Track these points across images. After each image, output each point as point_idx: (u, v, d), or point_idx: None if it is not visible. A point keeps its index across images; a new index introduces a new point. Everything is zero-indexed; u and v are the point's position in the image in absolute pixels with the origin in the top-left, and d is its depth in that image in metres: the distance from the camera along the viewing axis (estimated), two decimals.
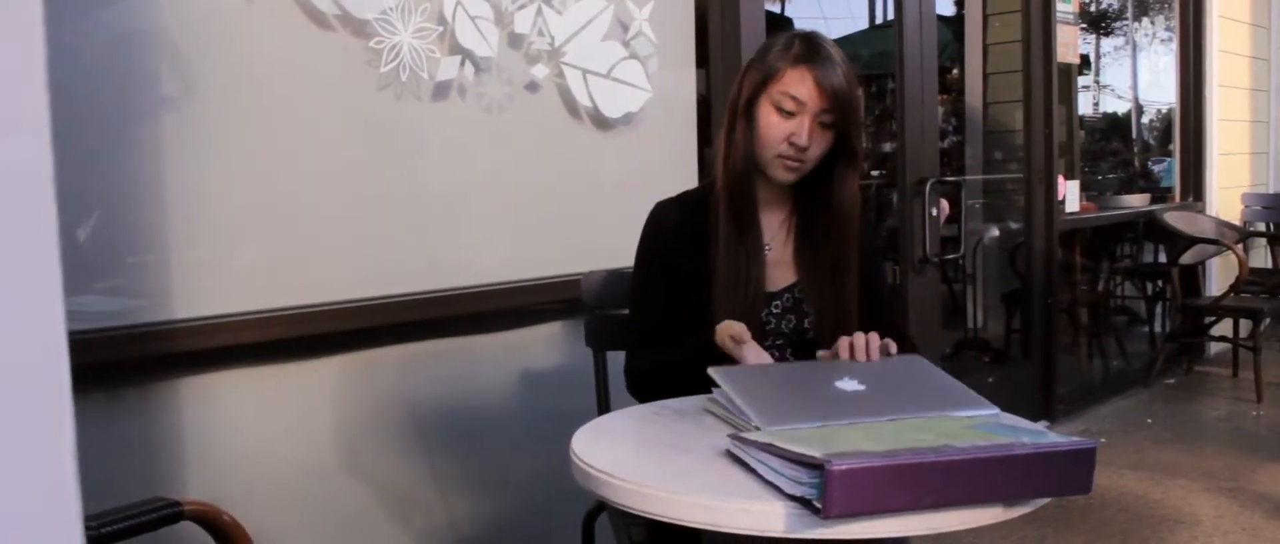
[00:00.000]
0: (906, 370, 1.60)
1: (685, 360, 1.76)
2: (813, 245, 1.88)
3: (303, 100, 2.08)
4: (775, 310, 1.87)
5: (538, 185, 2.47)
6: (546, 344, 2.52)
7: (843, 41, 12.24)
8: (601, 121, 2.56)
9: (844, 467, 1.09)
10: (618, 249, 2.58)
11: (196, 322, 1.93)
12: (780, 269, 1.89)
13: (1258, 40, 6.77)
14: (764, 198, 1.89)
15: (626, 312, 2.00)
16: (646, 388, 1.88)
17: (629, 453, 1.45)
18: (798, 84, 1.75)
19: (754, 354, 1.69)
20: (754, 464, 1.25)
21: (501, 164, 2.40)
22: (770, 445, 1.23)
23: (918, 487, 1.13)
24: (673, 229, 1.90)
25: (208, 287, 1.96)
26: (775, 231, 1.91)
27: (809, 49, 1.76)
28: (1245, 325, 5.39)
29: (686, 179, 2.80)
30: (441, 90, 2.27)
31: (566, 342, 2.50)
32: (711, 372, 1.54)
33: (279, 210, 2.06)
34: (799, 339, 1.88)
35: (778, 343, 1.87)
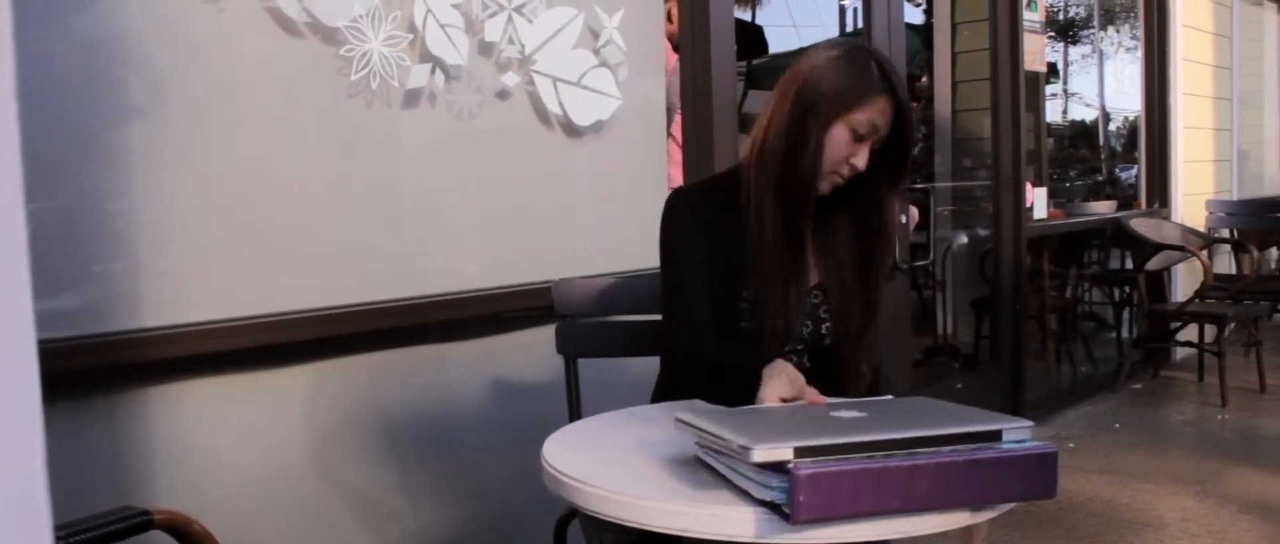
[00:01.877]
0: (913, 404, 1.51)
1: (731, 384, 1.67)
2: (837, 245, 1.84)
3: (273, 108, 2.08)
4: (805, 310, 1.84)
5: (508, 193, 2.48)
6: (518, 351, 2.52)
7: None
8: (572, 129, 2.57)
9: (810, 471, 1.10)
10: (589, 256, 2.60)
11: (166, 330, 1.92)
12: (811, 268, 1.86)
13: (1220, 49, 6.86)
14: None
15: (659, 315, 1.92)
16: (695, 372, 1.81)
17: (600, 459, 1.45)
18: (881, 114, 1.71)
19: (779, 392, 1.56)
20: (723, 469, 1.26)
21: (472, 172, 2.40)
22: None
23: (884, 490, 1.15)
24: (702, 215, 1.83)
25: (178, 294, 1.95)
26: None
27: (889, 75, 1.73)
28: (1210, 331, 5.44)
29: (656, 186, 2.81)
30: (412, 98, 2.27)
31: (538, 348, 2.50)
32: (677, 421, 1.39)
33: (249, 218, 2.05)
34: (817, 344, 1.85)
35: (796, 348, 1.83)
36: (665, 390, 1.93)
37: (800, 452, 1.14)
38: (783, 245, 1.77)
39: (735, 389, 1.63)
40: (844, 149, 1.72)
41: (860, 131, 1.71)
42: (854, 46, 1.78)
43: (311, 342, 2.13)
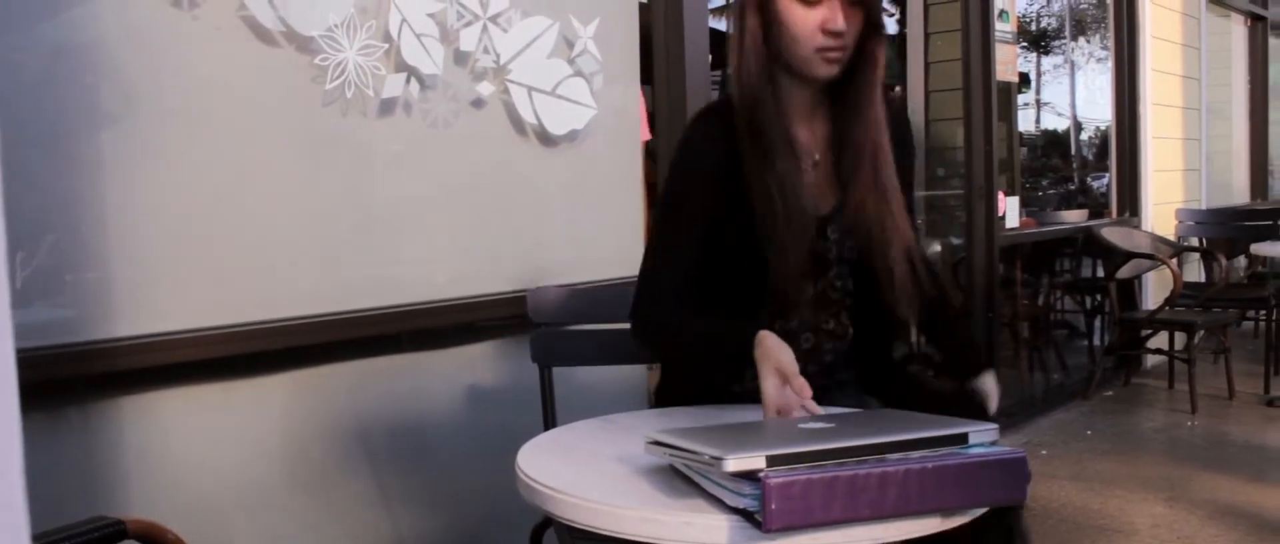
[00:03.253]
0: (882, 414, 1.51)
1: (707, 354, 1.65)
2: (852, 155, 1.70)
3: (247, 116, 2.08)
4: (833, 236, 1.73)
5: (483, 202, 2.48)
6: (493, 360, 2.53)
7: None
8: (547, 138, 2.57)
9: (781, 479, 1.12)
10: (563, 265, 2.61)
11: (140, 339, 1.91)
12: (830, 188, 1.73)
13: (1188, 60, 6.94)
14: (797, 106, 1.72)
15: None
16: (657, 347, 1.78)
17: (574, 467, 1.46)
18: None
19: (776, 393, 1.52)
20: (697, 478, 1.27)
21: (447, 181, 2.41)
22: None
23: (854, 498, 1.16)
24: (709, 144, 1.72)
25: (151, 304, 1.94)
26: (817, 144, 1.74)
27: None
28: (1180, 338, 5.50)
29: (631, 197, 2.82)
30: (387, 107, 2.27)
31: (513, 357, 2.51)
32: (648, 444, 1.36)
33: (223, 226, 2.05)
34: (845, 261, 1.77)
35: (843, 272, 1.76)
36: (666, 376, 1.86)
37: (772, 460, 1.15)
38: (760, 162, 1.65)
39: (716, 364, 1.64)
40: (805, 19, 1.62)
41: None
42: None
43: (285, 351, 2.13)
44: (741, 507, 1.17)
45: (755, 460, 1.15)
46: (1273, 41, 9.19)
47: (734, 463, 1.15)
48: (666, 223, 1.77)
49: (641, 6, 2.87)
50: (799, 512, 1.13)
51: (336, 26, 2.16)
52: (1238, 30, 8.70)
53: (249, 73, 2.07)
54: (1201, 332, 5.42)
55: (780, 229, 1.65)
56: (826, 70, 1.65)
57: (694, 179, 1.73)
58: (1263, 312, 6.09)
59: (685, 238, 1.73)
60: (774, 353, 1.53)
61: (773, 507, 1.11)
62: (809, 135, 1.74)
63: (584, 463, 1.49)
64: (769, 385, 1.51)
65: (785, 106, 1.70)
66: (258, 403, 2.13)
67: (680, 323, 1.72)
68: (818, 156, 1.74)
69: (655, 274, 1.75)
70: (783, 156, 1.66)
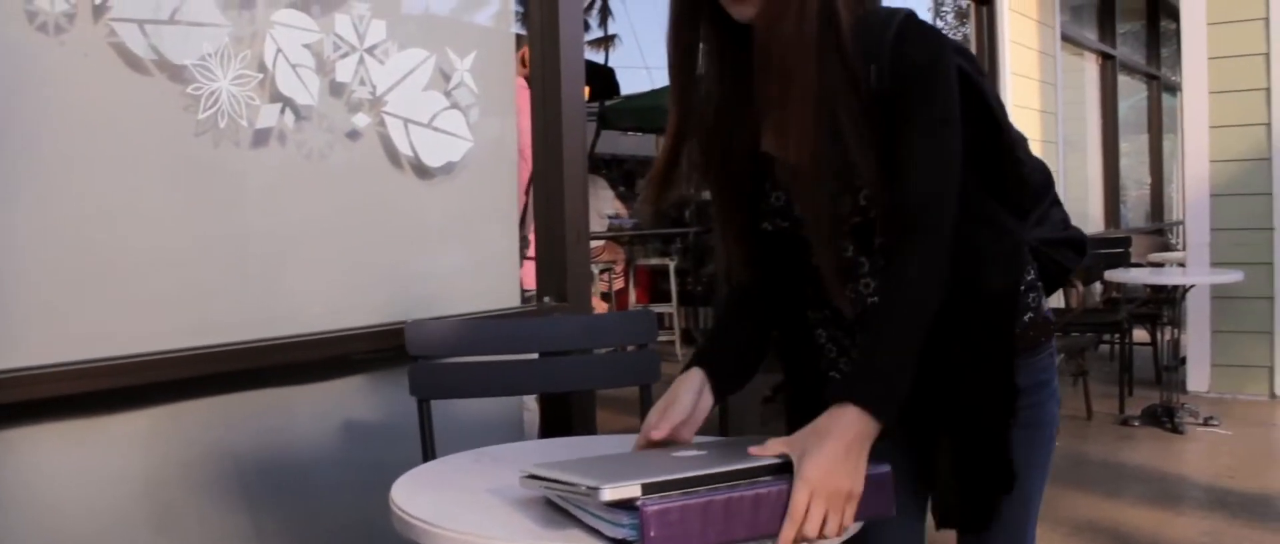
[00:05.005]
0: (750, 441, 1.43)
1: None
2: (760, 83, 1.45)
3: (116, 146, 2.04)
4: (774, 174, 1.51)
5: (360, 234, 2.47)
6: (371, 393, 2.51)
7: (662, 91, 12.41)
8: (423, 170, 2.57)
9: (657, 507, 1.15)
10: (441, 297, 2.61)
11: (1, 374, 1.86)
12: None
13: (1046, 95, 7.25)
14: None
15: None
16: None
17: (449, 501, 1.47)
18: None
19: (650, 420, 1.49)
20: (574, 510, 1.29)
21: (322, 212, 2.39)
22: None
23: (730, 520, 1.20)
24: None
25: (13, 338, 1.89)
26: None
27: None
28: None
29: (508, 228, 2.84)
30: (261, 137, 2.25)
31: (391, 390, 2.49)
32: (523, 478, 1.36)
33: (90, 259, 2.00)
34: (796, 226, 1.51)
35: (782, 224, 1.53)
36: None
37: (648, 488, 1.18)
38: (678, 95, 1.54)
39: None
40: None
41: None
42: None
43: (155, 386, 2.09)
44: (620, 537, 1.19)
45: (631, 490, 1.18)
46: (1121, 79, 9.66)
47: (610, 492, 1.18)
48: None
49: (518, 38, 2.90)
50: (678, 537, 1.17)
51: (210, 56, 2.14)
52: (1090, 68, 9.11)
53: (118, 101, 2.04)
54: (1061, 355, 5.63)
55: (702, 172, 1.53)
56: (739, 11, 1.43)
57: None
58: (1117, 335, 6.35)
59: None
60: (673, 391, 1.52)
61: (651, 533, 1.15)
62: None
63: (458, 496, 1.50)
64: (650, 415, 1.52)
65: (695, 33, 1.52)
66: (124, 440, 2.08)
67: (719, 318, 1.65)
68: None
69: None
70: (689, 84, 1.53)
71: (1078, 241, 1.70)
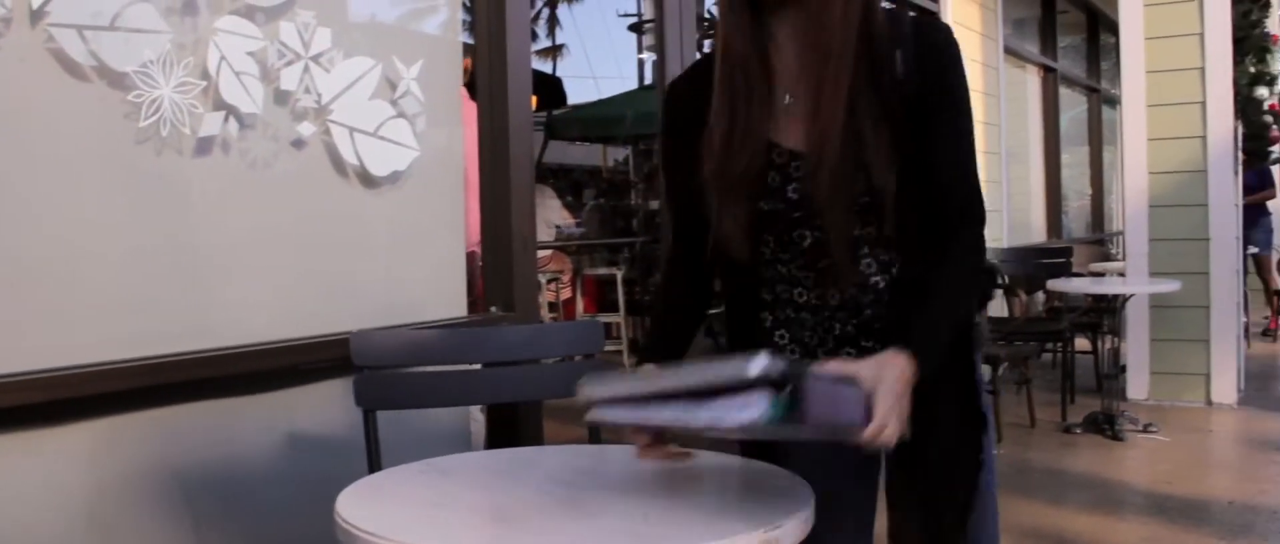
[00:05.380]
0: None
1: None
2: (808, 78, 1.53)
3: (55, 153, 2.01)
4: (778, 161, 1.56)
5: (304, 243, 2.45)
6: (316, 404, 2.48)
7: (609, 102, 12.54)
8: (368, 179, 2.56)
9: (818, 377, 1.30)
10: (387, 306, 2.59)
11: None
12: (787, 125, 1.56)
13: (989, 107, 7.34)
14: (780, 39, 1.56)
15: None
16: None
17: (395, 512, 1.46)
18: None
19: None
20: (673, 413, 1.34)
21: (267, 221, 2.37)
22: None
23: (835, 405, 1.32)
24: (685, 102, 1.64)
25: None
26: (794, 83, 1.57)
27: None
28: (986, 371, 5.77)
29: (454, 238, 2.82)
30: (204, 146, 2.23)
31: (337, 401, 2.47)
32: (581, 385, 1.43)
33: (27, 268, 1.97)
34: (788, 207, 1.58)
35: (776, 206, 1.57)
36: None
37: (792, 365, 1.31)
38: (728, 76, 1.55)
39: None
40: None
41: None
42: None
43: (95, 398, 2.05)
44: (749, 419, 1.25)
45: (776, 364, 1.26)
46: (1063, 91, 9.81)
47: (756, 367, 1.25)
48: (665, 199, 1.76)
49: (465, 48, 2.89)
50: (826, 407, 1.29)
51: (152, 62, 2.11)
52: (1032, 80, 9.25)
53: (57, 108, 2.01)
54: (1005, 364, 5.71)
55: (721, 151, 1.54)
56: None
57: (671, 144, 1.69)
58: (1060, 344, 6.44)
59: (678, 207, 1.72)
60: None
61: (814, 403, 1.29)
62: (786, 71, 1.58)
63: (403, 507, 1.49)
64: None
65: (755, 33, 1.56)
66: (65, 453, 2.04)
67: (661, 312, 1.78)
68: (791, 95, 1.57)
69: (669, 255, 1.78)
70: (746, 77, 1.54)
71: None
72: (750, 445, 1.65)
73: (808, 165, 1.53)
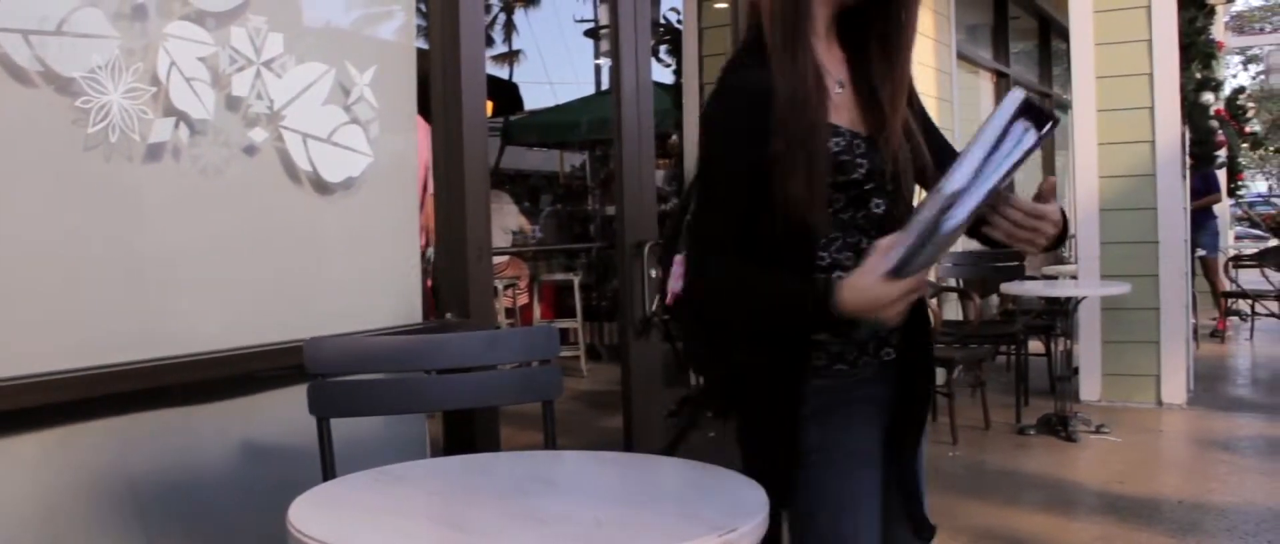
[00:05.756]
0: None
1: (781, 307, 1.65)
2: (891, 82, 1.76)
3: (0, 159, 1.98)
4: (861, 159, 1.72)
5: (257, 250, 2.43)
6: (269, 412, 2.46)
7: (565, 107, 12.55)
8: (322, 186, 2.54)
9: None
10: (341, 314, 2.57)
11: None
12: (840, 111, 1.74)
13: (943, 113, 7.40)
14: (820, 34, 1.74)
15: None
16: (722, 308, 1.73)
17: (348, 521, 1.45)
18: None
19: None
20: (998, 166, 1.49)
21: (219, 228, 2.35)
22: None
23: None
24: (745, 92, 1.70)
25: None
26: (839, 69, 1.77)
27: None
28: (941, 373, 5.82)
29: (408, 244, 2.81)
30: (154, 152, 2.21)
31: (290, 409, 2.45)
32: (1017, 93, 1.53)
33: None
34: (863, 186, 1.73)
35: (880, 201, 1.75)
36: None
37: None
38: (788, 63, 1.66)
39: (788, 318, 1.67)
40: None
41: None
42: None
43: (43, 408, 2.02)
44: (1034, 140, 1.46)
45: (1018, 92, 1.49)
46: None
47: (1019, 93, 1.48)
48: (712, 177, 1.73)
49: (419, 53, 2.88)
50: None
51: (100, 68, 2.09)
52: (985, 86, 9.35)
53: (1, 115, 1.98)
54: (960, 366, 5.76)
55: (796, 133, 1.64)
56: None
57: (731, 130, 1.70)
58: (1013, 346, 6.52)
59: (729, 190, 1.70)
60: (854, 284, 1.60)
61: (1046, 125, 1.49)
62: (832, 60, 1.76)
63: (357, 515, 1.48)
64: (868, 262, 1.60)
65: (812, 25, 1.70)
66: (11, 465, 2.01)
67: (749, 272, 1.70)
68: (842, 81, 1.77)
69: (710, 232, 1.73)
70: (803, 54, 1.67)
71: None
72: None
73: (873, 144, 1.73)
